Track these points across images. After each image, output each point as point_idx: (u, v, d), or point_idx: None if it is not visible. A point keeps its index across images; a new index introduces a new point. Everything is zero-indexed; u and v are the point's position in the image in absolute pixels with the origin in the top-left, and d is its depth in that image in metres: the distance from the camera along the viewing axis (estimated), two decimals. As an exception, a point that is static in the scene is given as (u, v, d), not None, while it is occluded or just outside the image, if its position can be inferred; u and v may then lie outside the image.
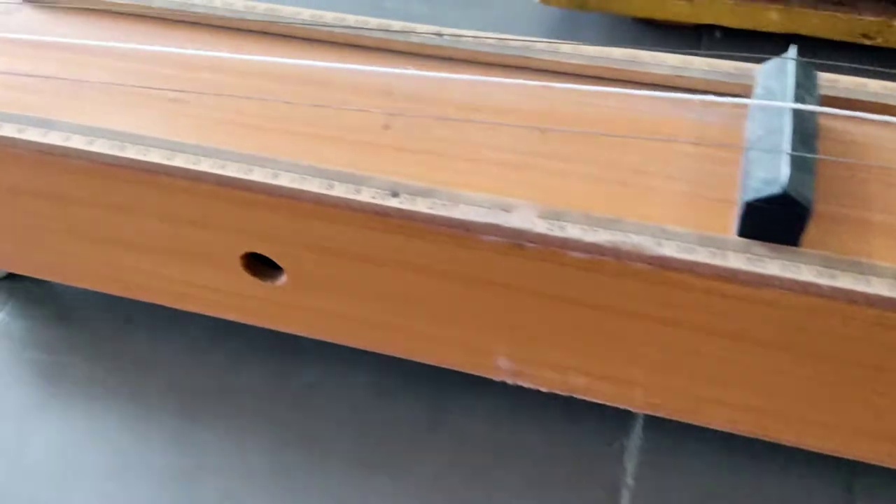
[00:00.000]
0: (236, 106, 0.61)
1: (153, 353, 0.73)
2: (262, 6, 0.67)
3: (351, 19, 0.65)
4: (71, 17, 0.70)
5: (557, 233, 0.50)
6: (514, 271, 0.54)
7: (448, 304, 0.58)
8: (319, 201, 0.55)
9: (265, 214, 0.57)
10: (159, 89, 0.62)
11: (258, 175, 0.55)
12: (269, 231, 0.59)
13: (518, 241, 0.52)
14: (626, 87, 0.59)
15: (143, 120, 0.60)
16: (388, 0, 1.05)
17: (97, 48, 0.65)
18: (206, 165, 0.56)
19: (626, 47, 0.95)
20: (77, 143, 0.58)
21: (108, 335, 0.75)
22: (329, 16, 0.66)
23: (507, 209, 0.52)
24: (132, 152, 0.57)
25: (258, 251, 0.61)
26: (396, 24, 0.65)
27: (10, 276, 0.79)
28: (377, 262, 0.58)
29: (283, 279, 0.62)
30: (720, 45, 0.95)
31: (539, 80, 0.60)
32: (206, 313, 0.69)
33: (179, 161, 0.56)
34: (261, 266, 0.63)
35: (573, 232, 0.50)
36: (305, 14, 0.66)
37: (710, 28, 0.96)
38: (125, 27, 0.68)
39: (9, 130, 0.59)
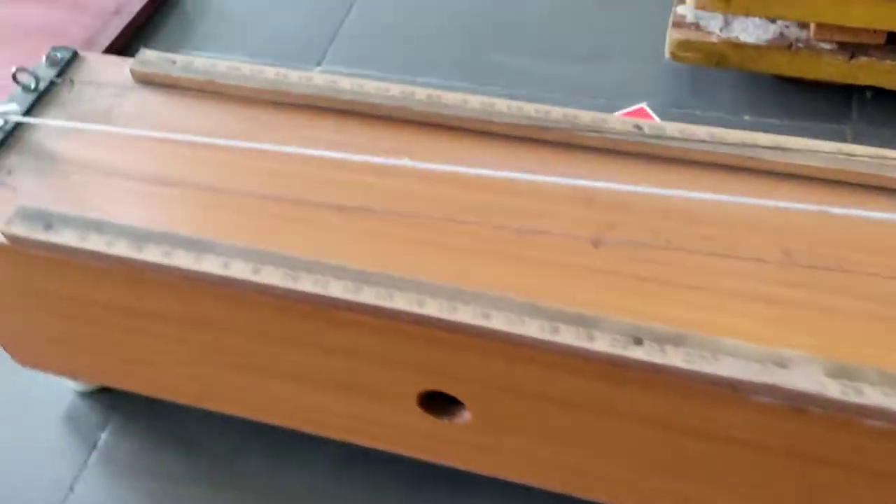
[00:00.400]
0: (416, 220, 0.52)
1: (282, 483, 0.65)
2: (421, 93, 0.58)
3: (530, 108, 0.56)
4: (194, 102, 0.60)
5: (854, 398, 0.42)
6: (781, 434, 0.45)
7: (676, 459, 0.50)
8: (541, 348, 0.46)
9: (464, 356, 0.48)
10: (328, 204, 0.53)
11: (465, 315, 0.46)
12: (463, 373, 0.50)
13: (798, 404, 0.43)
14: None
15: (312, 239, 0.51)
16: (497, 55, 0.95)
17: (238, 148, 0.55)
18: (401, 302, 0.47)
19: (766, 107, 0.87)
20: (239, 271, 0.49)
21: (228, 460, 0.66)
22: (501, 104, 0.57)
23: (783, 364, 0.43)
24: (308, 284, 0.48)
25: (443, 391, 0.52)
26: (585, 116, 0.56)
27: (108, 389, 0.70)
28: (596, 411, 0.49)
29: (465, 417, 0.53)
30: (871, 106, 0.87)
31: (766, 183, 0.52)
32: (351, 441, 0.60)
33: (368, 296, 0.47)
34: (439, 402, 0.54)
35: (874, 397, 0.42)
36: (474, 102, 0.57)
37: (860, 88, 0.87)
38: (261, 116, 0.59)
39: (154, 254, 0.50)
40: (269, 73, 0.60)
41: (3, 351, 0.65)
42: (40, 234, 0.52)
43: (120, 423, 0.69)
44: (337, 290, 0.48)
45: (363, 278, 0.48)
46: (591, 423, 0.50)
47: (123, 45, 1.03)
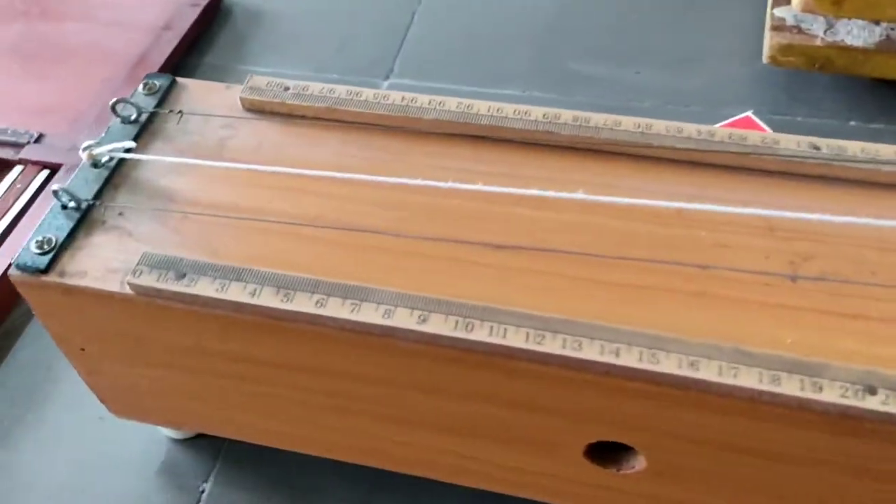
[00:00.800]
0: (586, 257, 0.47)
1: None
2: (566, 115, 0.54)
3: (692, 129, 0.52)
4: (313, 132, 0.56)
5: None
6: None
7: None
8: (757, 400, 0.41)
9: (657, 407, 0.44)
10: (484, 242, 0.48)
11: (669, 365, 0.42)
12: (651, 425, 0.45)
13: None
14: None
15: (473, 281, 0.47)
16: (574, 62, 0.91)
17: (372, 182, 0.51)
18: (592, 352, 0.43)
19: (870, 111, 0.83)
20: (403, 321, 0.44)
21: (351, 509, 0.62)
22: (658, 124, 0.53)
23: None
24: (483, 333, 0.44)
25: (619, 440, 0.48)
26: (754, 136, 0.51)
27: (207, 434, 0.65)
28: (803, 463, 0.44)
29: (637, 467, 0.49)
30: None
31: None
32: (502, 492, 0.56)
33: (554, 346, 0.43)
34: (605, 450, 0.49)
35: None
36: (627, 123, 0.53)
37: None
38: (389, 145, 0.55)
39: (305, 305, 0.45)
40: (395, 98, 0.56)
41: (99, 401, 0.60)
42: (173, 285, 0.47)
43: (224, 472, 0.64)
44: (518, 339, 0.43)
45: (546, 326, 0.43)
46: (794, 473, 0.45)
47: (176, 61, 0.98)
